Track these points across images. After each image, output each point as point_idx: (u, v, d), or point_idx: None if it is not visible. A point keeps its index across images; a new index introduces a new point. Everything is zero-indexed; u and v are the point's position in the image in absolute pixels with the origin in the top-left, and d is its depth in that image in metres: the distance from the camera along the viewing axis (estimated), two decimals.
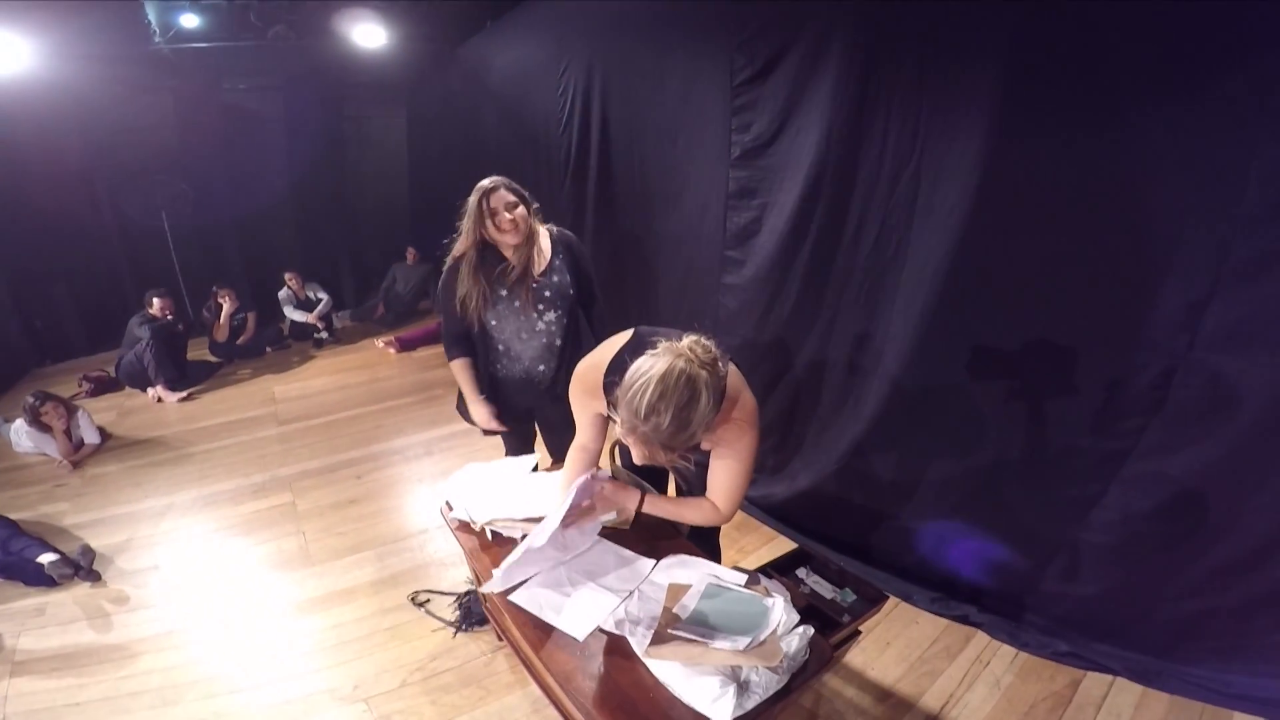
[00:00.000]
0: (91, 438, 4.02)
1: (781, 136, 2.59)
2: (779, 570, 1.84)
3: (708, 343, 1.30)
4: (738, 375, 1.47)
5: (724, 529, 2.81)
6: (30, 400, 3.80)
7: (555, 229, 2.17)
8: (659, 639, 1.30)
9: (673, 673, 1.21)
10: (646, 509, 1.62)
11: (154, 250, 6.02)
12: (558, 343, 2.12)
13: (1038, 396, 2.05)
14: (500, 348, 2.12)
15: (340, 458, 3.75)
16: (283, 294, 5.88)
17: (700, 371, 1.22)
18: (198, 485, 3.51)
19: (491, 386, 2.17)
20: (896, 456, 2.50)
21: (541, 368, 2.14)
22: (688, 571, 1.58)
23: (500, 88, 4.93)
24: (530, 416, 2.33)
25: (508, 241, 2.00)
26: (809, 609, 1.69)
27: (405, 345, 5.60)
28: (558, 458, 2.16)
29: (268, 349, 5.72)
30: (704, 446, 1.47)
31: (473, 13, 5.04)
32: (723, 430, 1.43)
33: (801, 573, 1.90)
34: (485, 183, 2.00)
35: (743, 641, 1.27)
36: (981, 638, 2.20)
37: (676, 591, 1.49)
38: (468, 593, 2.35)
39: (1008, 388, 2.12)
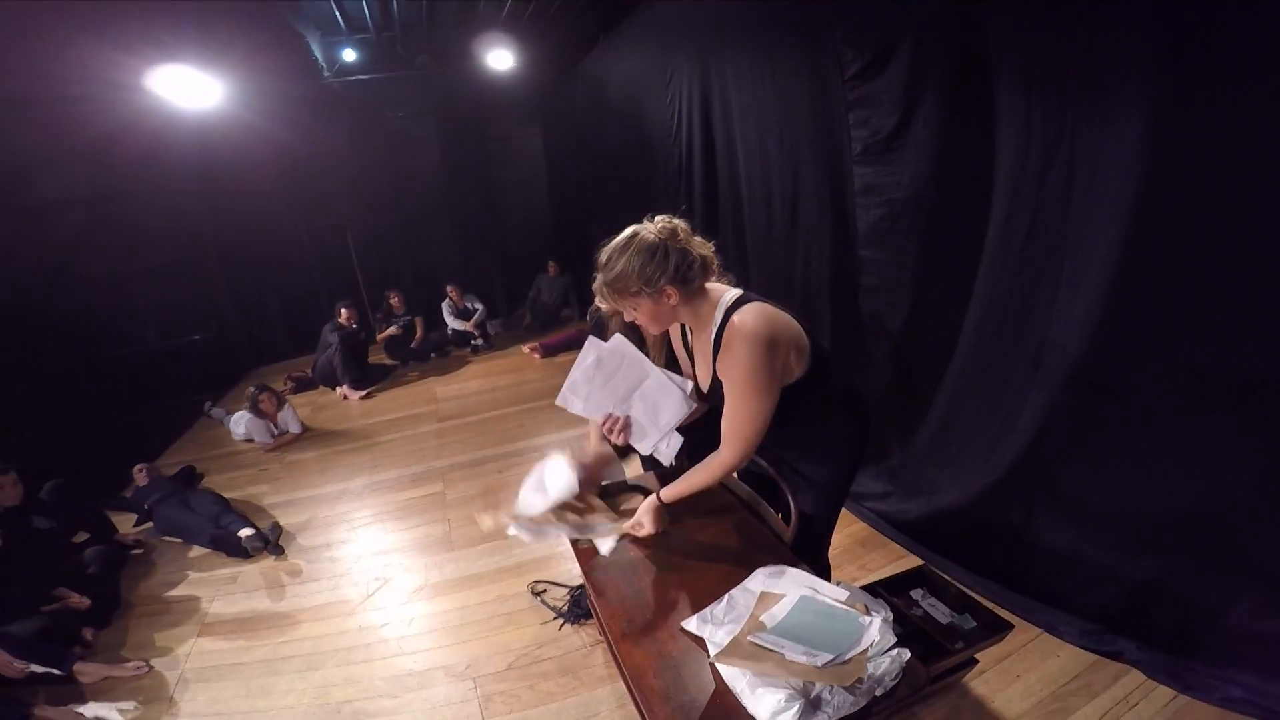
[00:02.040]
0: (294, 428, 4.77)
1: (906, 129, 2.42)
2: (892, 589, 1.72)
3: (677, 221, 1.45)
4: (754, 307, 1.43)
5: (847, 544, 2.71)
6: (252, 390, 4.62)
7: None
8: (735, 645, 1.28)
9: (740, 681, 1.18)
10: (666, 497, 1.66)
11: (340, 265, 7.03)
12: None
13: (1233, 409, 1.70)
14: None
15: (486, 453, 4.09)
16: (445, 304, 6.55)
17: (648, 230, 1.42)
18: (369, 473, 4.02)
19: None
20: (1054, 474, 2.21)
21: None
22: (785, 582, 1.53)
23: (618, 101, 5.12)
24: None
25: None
26: (917, 632, 1.55)
27: (548, 351, 5.97)
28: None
29: (432, 355, 6.40)
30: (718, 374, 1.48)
31: (587, 29, 5.29)
32: (722, 355, 1.44)
33: (917, 594, 1.75)
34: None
35: (823, 657, 1.21)
36: (1133, 677, 1.88)
37: (768, 600, 1.45)
38: (579, 587, 2.45)
39: (1194, 399, 1.78)
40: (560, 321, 7.10)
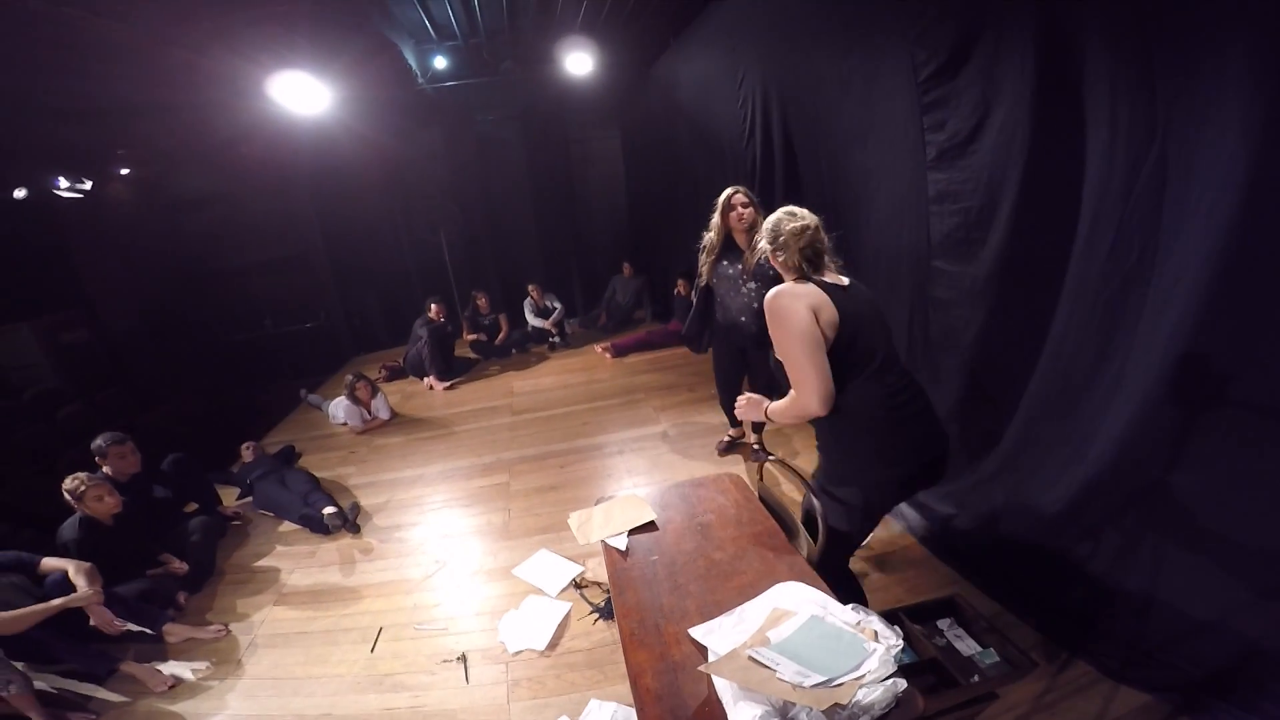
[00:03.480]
0: (384, 414, 5.17)
1: (983, 133, 2.32)
2: (919, 616, 1.67)
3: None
4: (789, 286, 1.75)
5: (898, 563, 2.63)
6: (350, 378, 5.04)
7: None
8: (731, 657, 1.31)
9: (728, 692, 1.22)
10: (772, 413, 1.84)
11: (432, 261, 7.48)
12: (755, 305, 3.03)
13: None
14: (718, 300, 3.27)
15: (552, 448, 4.27)
16: (526, 302, 6.84)
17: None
18: (444, 460, 4.29)
19: (713, 328, 3.40)
20: (1129, 510, 2.05)
21: (743, 319, 3.16)
22: (799, 600, 1.54)
23: (688, 103, 5.15)
24: (742, 357, 3.43)
25: (738, 228, 3.06)
26: (932, 663, 1.51)
27: (619, 351, 6.10)
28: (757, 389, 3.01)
29: (513, 350, 6.70)
30: None
31: (658, 32, 5.34)
32: None
33: (944, 623, 1.70)
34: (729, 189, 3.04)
35: (813, 679, 1.22)
36: None
37: (779, 616, 1.47)
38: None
39: None
40: (634, 322, 7.24)
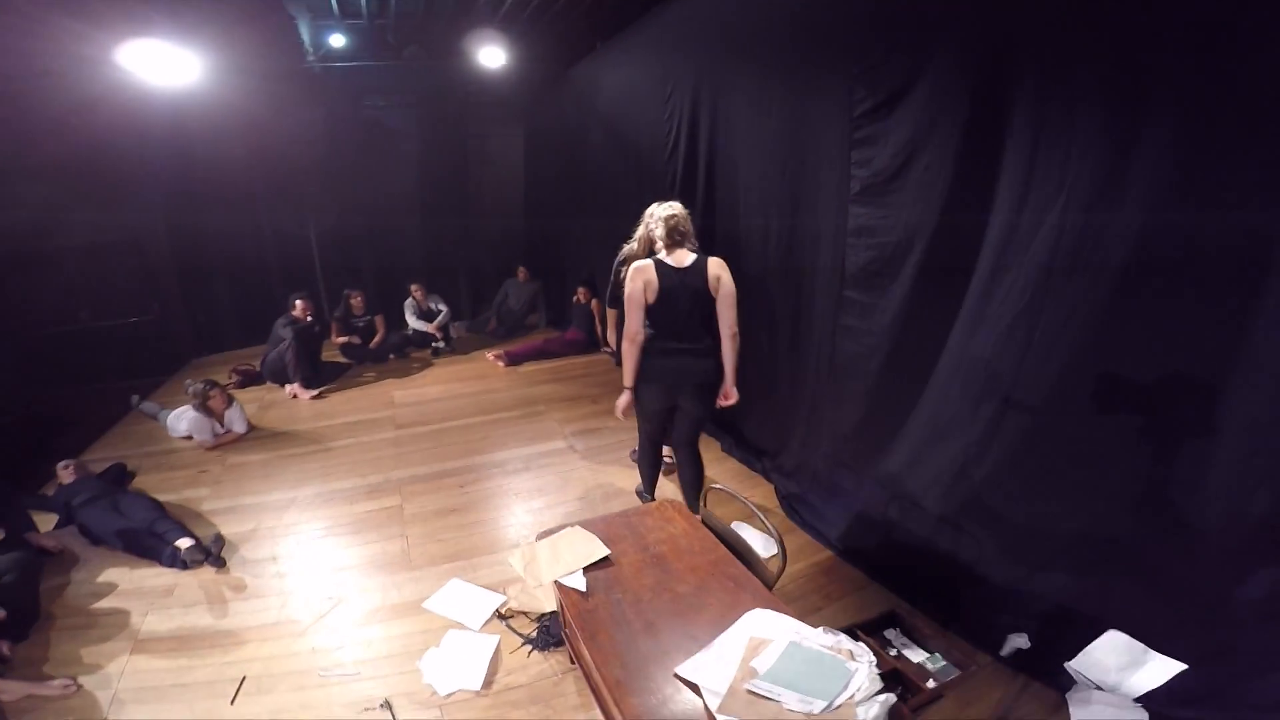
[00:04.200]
0: (240, 427, 4.60)
1: (906, 173, 2.51)
2: (867, 630, 1.77)
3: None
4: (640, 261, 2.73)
5: (811, 573, 2.79)
6: (201, 386, 4.41)
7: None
8: (733, 695, 1.30)
9: None
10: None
11: (299, 255, 6.83)
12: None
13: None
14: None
15: (447, 465, 4.03)
16: (408, 302, 6.42)
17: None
18: (320, 481, 3.90)
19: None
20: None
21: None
22: (771, 627, 1.56)
23: (607, 110, 5.14)
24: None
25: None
26: (892, 673, 1.62)
27: (513, 359, 5.92)
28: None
29: (391, 356, 6.26)
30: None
31: (584, 34, 5.33)
32: None
33: (891, 634, 1.82)
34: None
35: (818, 704, 1.25)
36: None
37: (756, 645, 1.49)
38: (549, 614, 2.44)
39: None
40: (526, 329, 7.06)
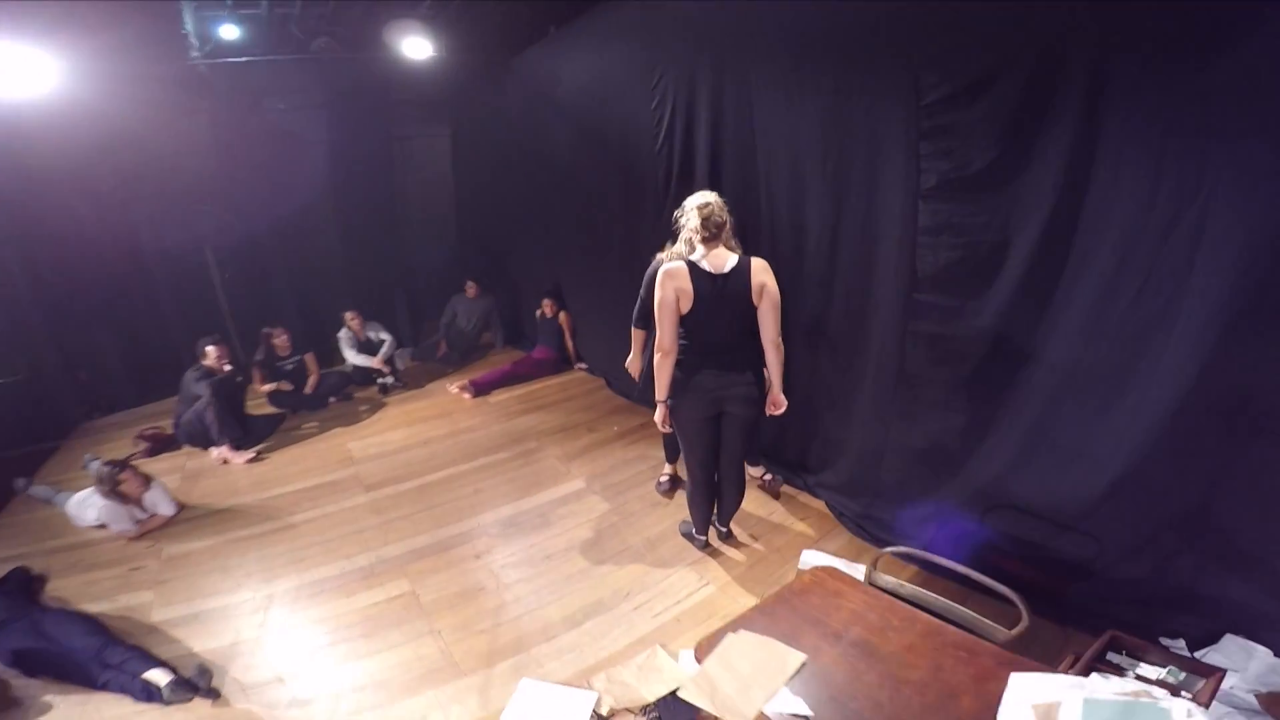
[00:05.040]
0: (166, 509, 3.84)
1: (1000, 166, 2.33)
2: (1100, 662, 1.61)
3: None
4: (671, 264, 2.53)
5: None
6: (106, 470, 3.61)
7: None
8: None
9: None
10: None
11: (199, 289, 5.90)
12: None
13: None
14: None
15: (448, 532, 3.50)
16: (342, 334, 5.70)
17: None
18: (295, 570, 3.28)
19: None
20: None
21: None
22: (1045, 690, 1.33)
23: (572, 101, 4.71)
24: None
25: None
26: None
27: (480, 389, 5.39)
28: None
29: (331, 399, 5.51)
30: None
31: (531, 19, 4.84)
32: None
33: (1115, 658, 1.68)
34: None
35: None
36: None
37: (1047, 712, 1.25)
38: (660, 701, 2.09)
39: None
40: (480, 349, 6.48)
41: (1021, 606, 1.73)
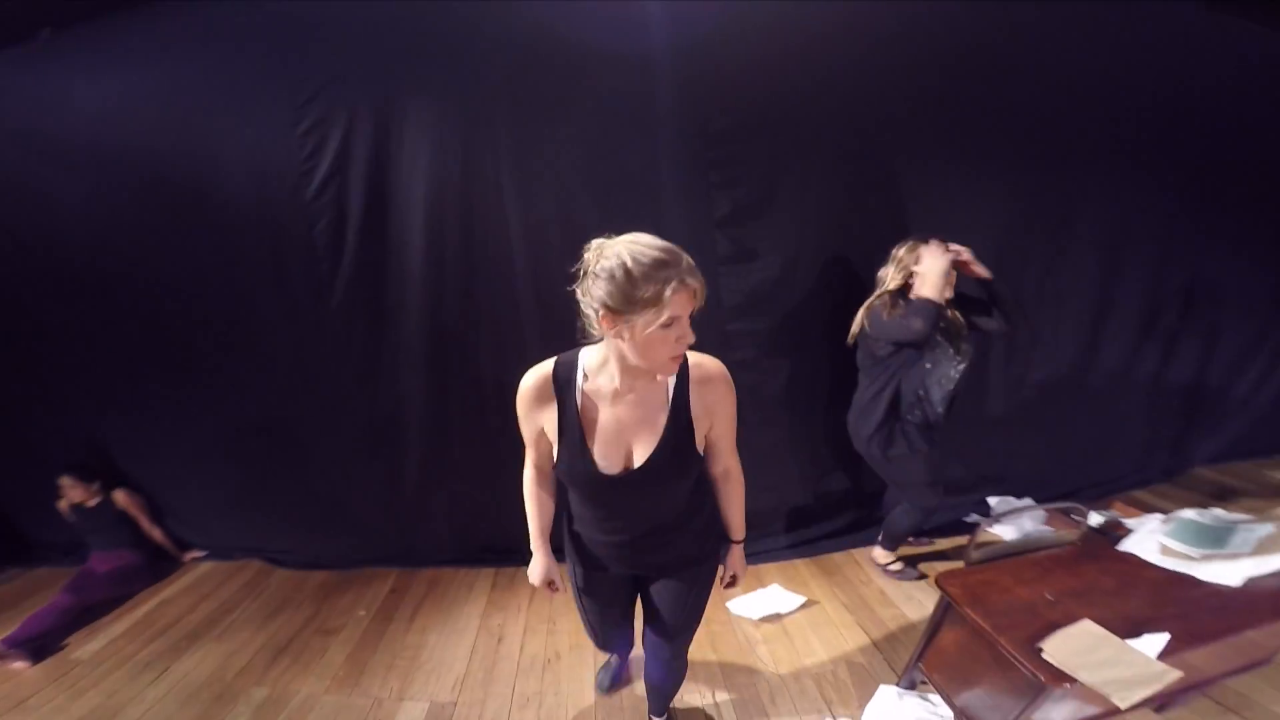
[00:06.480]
0: None
1: (772, 198, 2.82)
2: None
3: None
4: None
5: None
6: None
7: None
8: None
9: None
10: (740, 536, 1.74)
11: None
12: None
13: None
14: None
15: None
16: None
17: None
18: None
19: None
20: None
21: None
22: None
23: (108, 135, 2.99)
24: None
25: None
26: None
27: (32, 645, 2.90)
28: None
29: None
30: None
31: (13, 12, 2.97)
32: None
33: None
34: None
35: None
36: None
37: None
38: None
39: None
40: None
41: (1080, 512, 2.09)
